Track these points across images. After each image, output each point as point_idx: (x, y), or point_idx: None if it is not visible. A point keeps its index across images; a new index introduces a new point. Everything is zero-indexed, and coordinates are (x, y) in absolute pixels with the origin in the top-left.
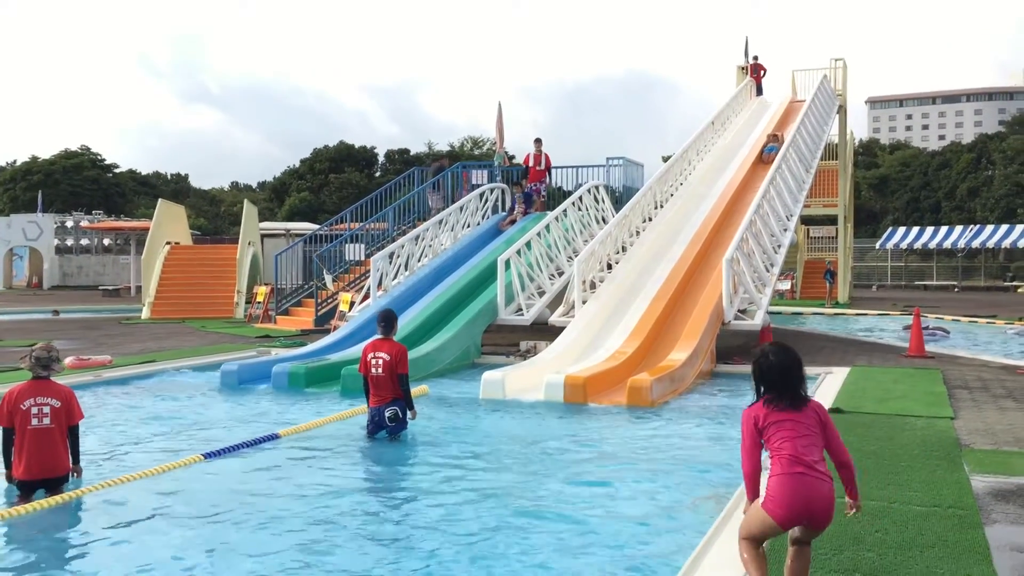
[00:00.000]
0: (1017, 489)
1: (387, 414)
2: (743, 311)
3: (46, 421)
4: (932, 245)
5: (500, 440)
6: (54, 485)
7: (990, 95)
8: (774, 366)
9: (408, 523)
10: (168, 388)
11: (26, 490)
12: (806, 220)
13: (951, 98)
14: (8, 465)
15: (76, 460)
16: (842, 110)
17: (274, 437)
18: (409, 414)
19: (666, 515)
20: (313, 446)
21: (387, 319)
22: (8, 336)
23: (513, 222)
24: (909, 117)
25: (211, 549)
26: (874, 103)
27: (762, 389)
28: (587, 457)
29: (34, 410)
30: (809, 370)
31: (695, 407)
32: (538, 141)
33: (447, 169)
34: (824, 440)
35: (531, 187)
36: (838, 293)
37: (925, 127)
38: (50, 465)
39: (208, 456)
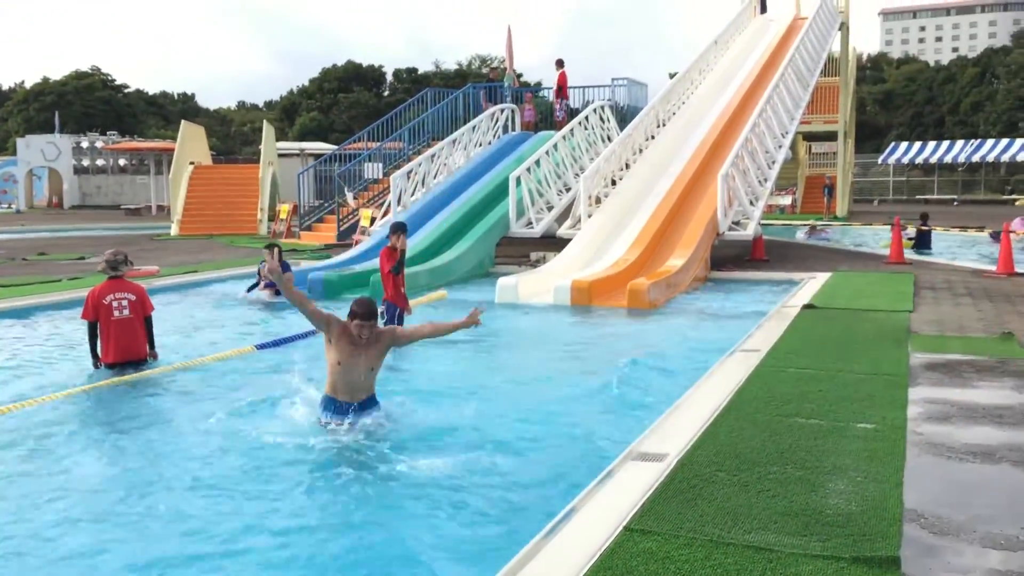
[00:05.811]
0: (946, 362)
1: None
2: (737, 223)
3: (126, 312)
4: (934, 160)
5: (513, 334)
6: (136, 366)
7: (1005, 6)
8: None
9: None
10: (213, 294)
11: (115, 371)
12: (808, 136)
13: (966, 9)
14: (95, 354)
15: (152, 345)
16: (844, 27)
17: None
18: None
19: (647, 387)
20: None
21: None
22: (52, 250)
23: None
24: (923, 29)
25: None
26: (887, 15)
27: None
28: (584, 350)
29: (115, 303)
30: (794, 276)
31: (687, 308)
32: (559, 62)
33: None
34: None
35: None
36: (836, 207)
37: (939, 39)
38: (132, 349)
39: (260, 347)
